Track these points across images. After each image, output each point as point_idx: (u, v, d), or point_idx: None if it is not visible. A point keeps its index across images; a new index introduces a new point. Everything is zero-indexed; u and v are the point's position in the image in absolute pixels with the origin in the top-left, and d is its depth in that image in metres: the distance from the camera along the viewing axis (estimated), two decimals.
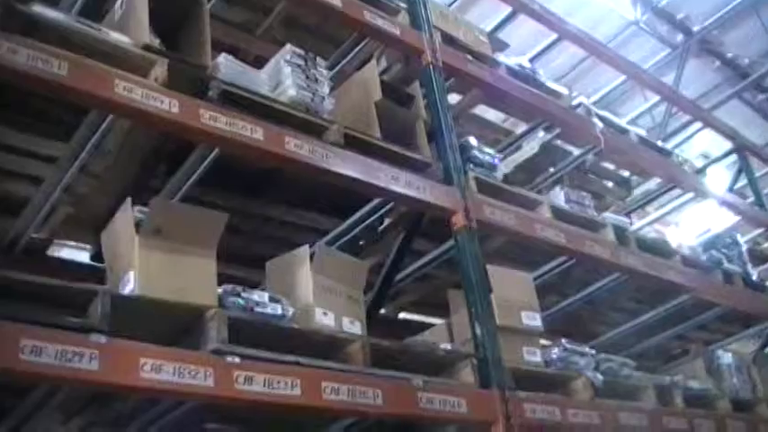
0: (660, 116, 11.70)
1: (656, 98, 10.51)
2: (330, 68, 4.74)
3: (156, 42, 3.42)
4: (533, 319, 4.08)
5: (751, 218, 7.55)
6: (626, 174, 7.24)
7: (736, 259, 6.31)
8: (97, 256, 3.93)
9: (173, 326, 2.91)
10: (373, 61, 4.33)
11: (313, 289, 3.26)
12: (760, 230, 7.91)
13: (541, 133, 5.76)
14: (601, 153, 5.88)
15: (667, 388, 4.85)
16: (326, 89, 3.85)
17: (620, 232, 5.12)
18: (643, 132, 6.38)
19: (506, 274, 4.13)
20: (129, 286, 2.85)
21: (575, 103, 5.55)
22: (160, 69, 3.22)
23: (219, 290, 2.97)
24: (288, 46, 3.88)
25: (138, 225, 2.93)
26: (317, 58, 3.92)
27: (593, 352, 4.39)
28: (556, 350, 4.17)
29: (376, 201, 4.16)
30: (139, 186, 3.84)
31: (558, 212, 4.71)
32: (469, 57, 4.80)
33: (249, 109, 3.46)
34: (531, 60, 6.23)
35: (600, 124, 5.53)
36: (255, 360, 2.85)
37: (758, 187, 7.78)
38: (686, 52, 11.72)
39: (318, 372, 3.00)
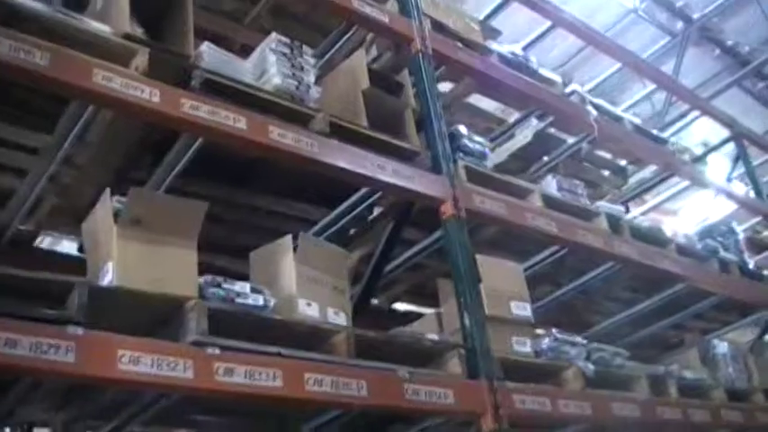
0: (660, 104, 11.65)
1: (656, 86, 10.41)
2: (319, 57, 4.70)
3: (139, 32, 3.39)
4: (523, 309, 4.04)
5: (748, 206, 7.49)
6: (622, 162, 7.17)
7: (733, 248, 6.27)
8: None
9: (152, 317, 2.88)
10: (361, 50, 4.28)
11: (296, 279, 3.22)
12: (758, 219, 7.83)
13: (535, 121, 5.70)
14: (595, 141, 5.83)
15: (661, 378, 4.82)
16: (312, 78, 3.81)
17: (614, 221, 5.07)
18: (638, 120, 6.33)
19: (496, 264, 4.09)
20: (108, 277, 2.81)
21: (568, 90, 5.49)
22: (141, 58, 3.18)
23: (200, 280, 2.93)
24: (273, 34, 3.83)
25: (116, 215, 2.89)
26: (304, 47, 3.88)
27: (585, 341, 4.35)
28: (546, 340, 4.13)
29: (364, 190, 4.12)
30: (125, 177, 3.81)
31: (549, 201, 4.66)
32: (460, 44, 4.75)
33: (233, 98, 3.42)
34: (526, 48, 6.18)
35: (594, 112, 5.48)
36: (236, 351, 2.82)
37: (756, 175, 7.73)
38: (686, 40, 11.63)
39: (301, 363, 2.97)
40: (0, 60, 2.77)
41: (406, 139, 4.10)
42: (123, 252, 2.82)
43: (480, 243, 4.83)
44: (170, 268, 2.88)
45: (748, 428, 5.27)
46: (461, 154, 4.30)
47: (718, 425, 5.05)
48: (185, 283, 2.87)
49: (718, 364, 5.50)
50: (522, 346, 3.99)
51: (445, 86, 5.52)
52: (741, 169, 8.20)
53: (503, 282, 4.05)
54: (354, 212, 4.23)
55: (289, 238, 3.36)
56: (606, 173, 7.13)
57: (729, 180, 8.37)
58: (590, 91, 9.66)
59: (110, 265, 2.82)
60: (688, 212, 11.14)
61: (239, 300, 2.94)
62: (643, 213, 8.03)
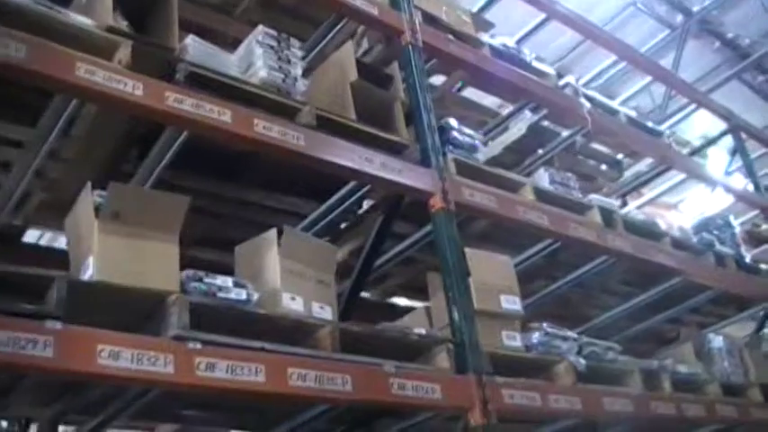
0: (661, 98, 11.59)
1: (651, 79, 10.36)
2: (310, 50, 4.67)
3: (123, 25, 3.36)
4: (513, 303, 4.01)
5: (746, 199, 7.45)
6: (619, 156, 7.14)
7: (729, 241, 6.23)
8: None
9: (134, 312, 2.86)
10: (349, 42, 4.24)
11: (280, 273, 3.19)
12: (755, 212, 7.80)
13: (529, 114, 5.67)
14: (589, 134, 5.79)
15: (655, 372, 4.78)
16: (299, 70, 3.78)
17: (607, 214, 5.03)
18: (633, 113, 6.28)
19: (485, 258, 4.06)
20: (89, 272, 2.79)
21: (562, 83, 5.45)
22: (124, 51, 3.17)
23: (182, 275, 2.90)
24: (260, 27, 3.81)
25: (97, 209, 2.87)
26: (291, 39, 3.84)
27: (576, 336, 4.32)
28: (537, 334, 4.09)
29: (352, 184, 4.09)
30: (112, 171, 3.79)
31: (541, 194, 4.63)
32: (451, 37, 4.71)
33: (218, 91, 3.40)
34: (521, 41, 6.17)
35: (587, 104, 5.43)
36: (218, 346, 2.80)
37: (754, 168, 7.68)
38: (685, 33, 11.55)
39: (284, 358, 2.95)
40: None
41: (395, 132, 4.07)
42: (104, 246, 2.80)
43: (472, 237, 4.82)
44: (151, 262, 2.85)
45: (743, 423, 5.25)
46: (451, 147, 4.27)
47: (713, 420, 5.02)
48: (167, 278, 2.85)
49: (714, 358, 5.46)
50: (513, 341, 3.96)
51: (438, 80, 5.51)
52: (740, 162, 8.15)
53: (492, 275, 4.01)
54: (343, 206, 4.20)
55: (273, 231, 3.34)
56: (604, 167, 7.11)
57: (728, 173, 8.35)
58: (590, 84, 9.68)
59: (90, 260, 2.80)
60: (688, 206, 11.11)
61: (221, 294, 2.91)
62: (640, 206, 7.97)
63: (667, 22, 11.68)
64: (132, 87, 3.10)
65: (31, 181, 3.77)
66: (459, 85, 5.98)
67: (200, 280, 2.90)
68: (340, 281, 4.45)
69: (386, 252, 4.65)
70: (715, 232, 6.12)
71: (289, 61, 3.77)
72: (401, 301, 5.78)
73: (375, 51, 4.90)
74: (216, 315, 2.90)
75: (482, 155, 4.60)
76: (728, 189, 7.34)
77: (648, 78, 10.72)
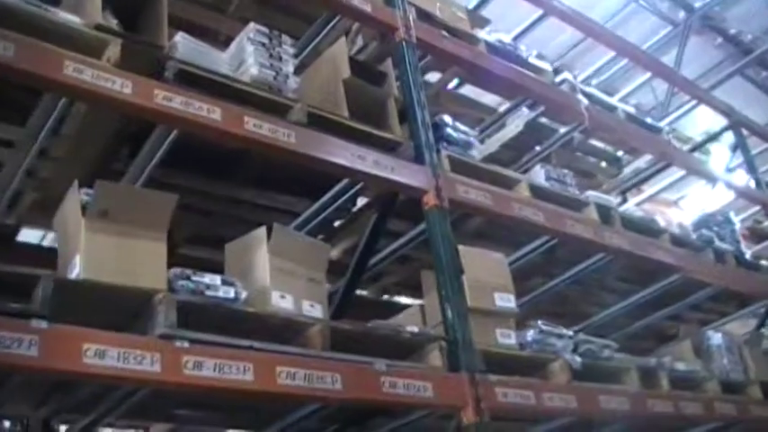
0: (663, 95, 11.53)
1: (655, 76, 10.30)
2: (303, 47, 4.66)
3: (113, 23, 3.35)
4: (507, 301, 3.98)
5: (747, 196, 7.41)
6: (619, 153, 7.10)
7: (729, 238, 6.19)
8: None
9: (122, 311, 2.85)
10: (342, 39, 4.22)
11: (270, 271, 3.17)
12: (757, 208, 7.75)
13: (526, 111, 5.63)
14: (587, 130, 5.75)
15: (652, 370, 4.75)
16: (291, 67, 3.77)
17: (605, 211, 5.00)
18: (632, 109, 6.25)
19: (479, 255, 4.04)
20: (75, 270, 2.78)
21: (558, 79, 5.42)
22: (113, 50, 3.16)
23: (169, 273, 2.89)
24: (251, 24, 3.79)
25: (85, 208, 2.86)
26: (283, 36, 3.83)
27: (571, 334, 4.29)
28: (531, 332, 4.07)
29: (345, 181, 4.07)
30: (102, 169, 3.77)
31: (537, 191, 4.60)
32: (446, 33, 4.68)
33: (209, 89, 3.39)
34: (520, 38, 6.13)
35: (585, 101, 5.40)
36: (206, 344, 2.78)
37: (755, 164, 7.64)
38: (688, 29, 11.47)
39: (273, 356, 2.93)
40: None
41: (388, 130, 4.05)
42: (90, 245, 2.79)
43: (468, 234, 4.80)
44: (139, 261, 2.84)
45: (743, 421, 5.21)
46: (445, 144, 4.24)
47: (712, 417, 4.99)
48: (154, 276, 2.84)
49: (713, 355, 5.42)
50: (507, 339, 3.93)
51: (434, 77, 5.48)
52: (742, 158, 8.11)
53: (486, 273, 3.99)
54: (337, 204, 4.19)
55: (263, 229, 3.32)
56: (603, 164, 7.08)
57: (729, 170, 8.30)
58: (592, 81, 9.64)
59: (77, 258, 2.79)
60: (689, 203, 11.05)
61: (209, 292, 2.90)
62: (641, 203, 7.93)
63: (669, 18, 11.61)
64: (121, 85, 3.09)
65: (22, 180, 3.77)
66: (457, 82, 5.96)
67: (188, 278, 2.88)
68: (335, 279, 4.45)
69: (381, 250, 4.64)
70: (715, 229, 6.09)
71: (280, 58, 3.75)
72: (401, 299, 5.77)
73: (370, 49, 4.87)
74: (204, 313, 2.88)
75: (478, 152, 4.57)
76: (729, 185, 7.28)
77: (649, 75, 10.66)
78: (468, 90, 6.24)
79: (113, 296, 2.78)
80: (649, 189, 8.15)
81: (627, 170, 7.06)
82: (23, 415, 4.05)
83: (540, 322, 4.14)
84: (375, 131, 3.91)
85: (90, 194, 2.90)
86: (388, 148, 4.00)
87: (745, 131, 8.02)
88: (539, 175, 4.83)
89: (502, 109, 6.27)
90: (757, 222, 8.81)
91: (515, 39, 6.15)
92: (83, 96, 3.14)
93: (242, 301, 2.98)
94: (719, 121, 9.01)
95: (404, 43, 4.32)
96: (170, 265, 2.95)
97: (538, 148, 5.90)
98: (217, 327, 2.88)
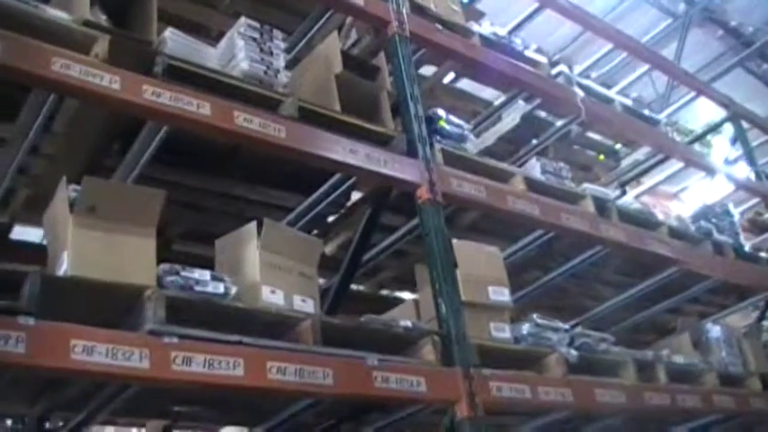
0: (663, 87, 11.50)
1: (654, 68, 10.26)
2: (296, 42, 4.64)
3: (102, 19, 3.34)
4: (501, 295, 3.96)
5: (746, 188, 7.37)
6: (617, 145, 7.07)
7: (728, 230, 6.14)
8: None
9: (111, 307, 2.84)
10: (334, 34, 4.20)
11: (260, 266, 3.16)
12: (756, 200, 7.72)
13: (522, 104, 5.61)
14: (584, 123, 5.72)
15: (649, 363, 4.73)
16: (282, 62, 3.75)
17: (601, 204, 4.97)
18: (629, 102, 6.21)
19: (473, 249, 4.02)
20: (63, 267, 2.77)
21: (554, 71, 5.39)
22: (101, 45, 3.14)
23: (158, 269, 2.88)
24: (242, 18, 3.78)
25: (72, 204, 2.84)
26: (274, 31, 3.81)
27: (567, 327, 4.27)
28: (526, 326, 4.05)
29: (338, 176, 4.05)
30: (94, 166, 3.77)
31: (532, 184, 4.57)
32: (440, 26, 4.66)
33: (199, 84, 3.37)
34: (515, 30, 6.09)
35: (581, 93, 5.37)
36: (195, 340, 2.77)
37: (754, 156, 7.60)
38: (688, 22, 11.46)
39: (263, 351, 2.92)
40: None
41: (380, 124, 4.03)
42: (78, 241, 2.78)
43: (462, 228, 4.78)
44: (127, 257, 2.84)
45: (742, 414, 5.19)
46: (439, 137, 4.21)
47: (710, 410, 4.98)
48: (143, 272, 2.83)
49: (712, 348, 5.40)
50: (501, 332, 3.92)
51: (429, 70, 5.46)
52: (742, 150, 8.07)
53: (480, 267, 3.97)
54: (330, 199, 4.17)
55: (253, 224, 3.31)
56: (601, 156, 7.04)
57: (729, 162, 8.26)
58: (592, 74, 9.60)
59: (65, 255, 2.78)
60: (689, 195, 11.02)
61: (198, 288, 2.89)
62: (640, 196, 7.90)
63: (670, 10, 11.59)
64: (109, 81, 3.08)
65: (14, 177, 3.76)
66: (454, 76, 5.94)
67: (177, 274, 2.87)
68: (330, 275, 4.44)
69: (376, 245, 4.62)
70: (713, 221, 6.04)
71: (271, 53, 3.74)
72: (398, 294, 5.75)
73: (363, 42, 4.85)
74: (193, 309, 2.87)
75: (472, 145, 4.55)
76: (729, 177, 7.25)
77: (648, 67, 10.62)
78: (466, 84, 6.23)
79: (102, 292, 2.77)
80: (649, 181, 8.10)
81: (625, 162, 7.02)
82: (20, 413, 4.07)
83: (535, 316, 4.13)
84: (367, 125, 3.89)
85: (78, 191, 2.89)
86: (381, 141, 3.97)
87: (744, 123, 7.99)
88: (534, 168, 4.80)
89: (498, 102, 6.26)
90: (758, 214, 8.78)
91: (513, 32, 6.11)
92: (71, 92, 3.13)
93: (231, 297, 2.96)
94: (720, 114, 8.98)
95: (397, 37, 4.29)
96: (163, 261, 2.95)
97: (534, 141, 5.86)
98: (206, 322, 2.87)
